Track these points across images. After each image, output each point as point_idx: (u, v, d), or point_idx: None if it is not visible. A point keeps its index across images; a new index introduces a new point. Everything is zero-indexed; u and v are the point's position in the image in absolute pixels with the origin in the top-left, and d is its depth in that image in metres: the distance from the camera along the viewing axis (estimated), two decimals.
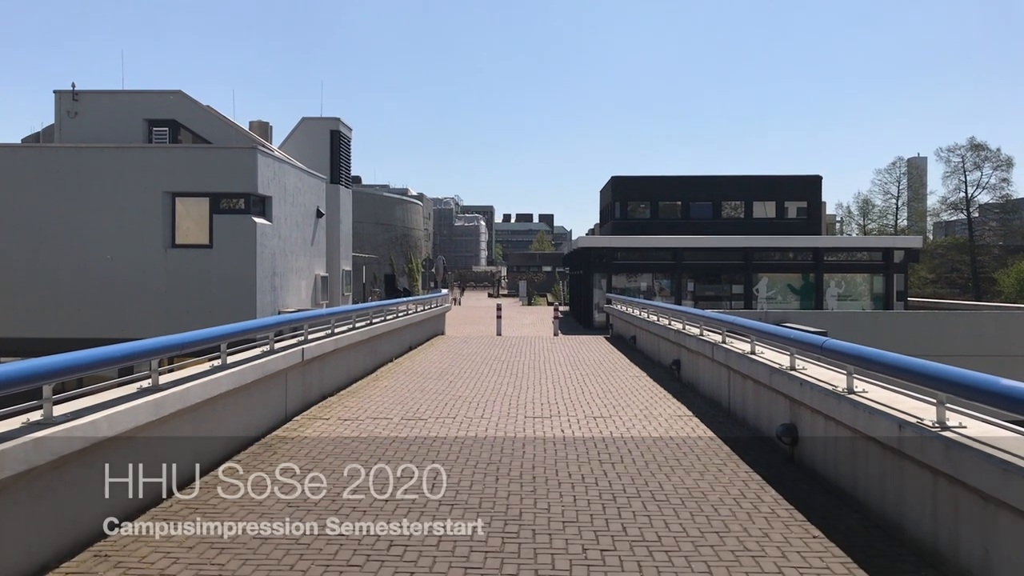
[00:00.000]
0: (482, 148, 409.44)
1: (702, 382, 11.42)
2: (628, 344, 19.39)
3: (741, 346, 9.81)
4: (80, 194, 20.96)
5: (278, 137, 31.57)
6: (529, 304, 65.31)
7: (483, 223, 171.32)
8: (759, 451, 7.68)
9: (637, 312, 18.97)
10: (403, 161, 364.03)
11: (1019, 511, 4.01)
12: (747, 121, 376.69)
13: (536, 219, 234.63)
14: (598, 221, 55.95)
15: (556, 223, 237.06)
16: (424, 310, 20.18)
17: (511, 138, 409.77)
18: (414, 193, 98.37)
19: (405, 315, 17.54)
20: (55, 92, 23.90)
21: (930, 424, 5.01)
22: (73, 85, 23.90)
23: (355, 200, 34.61)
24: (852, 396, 6.09)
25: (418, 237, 72.13)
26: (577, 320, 38.82)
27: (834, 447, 6.32)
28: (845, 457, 6.10)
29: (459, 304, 58.54)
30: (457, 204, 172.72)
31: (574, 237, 62.59)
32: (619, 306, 22.80)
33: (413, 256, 66.77)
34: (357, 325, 13.21)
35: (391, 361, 15.19)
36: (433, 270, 54.90)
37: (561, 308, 36.77)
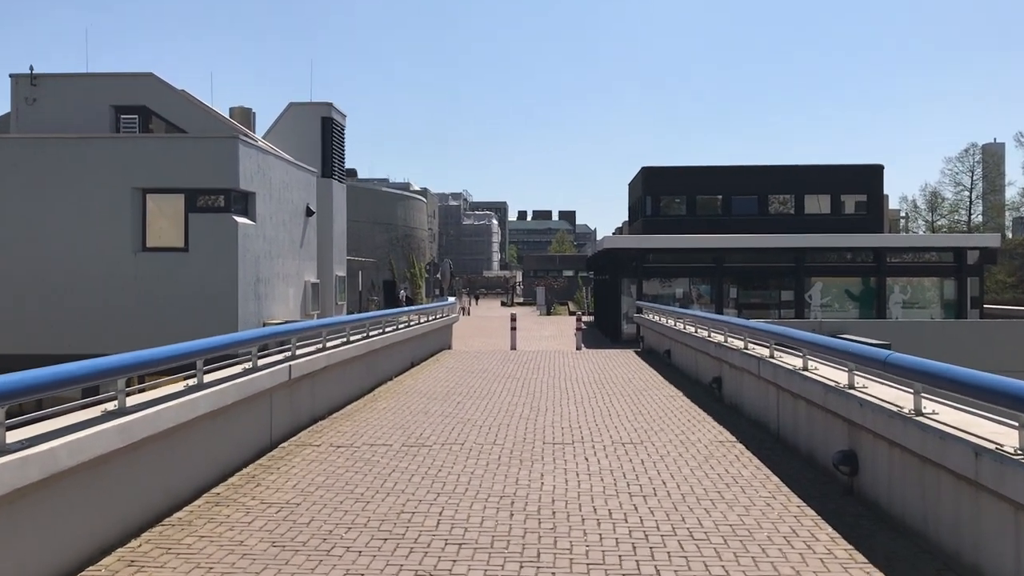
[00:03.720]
0: (494, 137, 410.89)
1: (747, 402, 11.35)
2: (661, 359, 19.33)
3: (792, 361, 9.75)
4: (39, 191, 21.16)
5: (262, 125, 31.80)
6: (548, 314, 65.34)
7: (495, 222, 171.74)
8: (813, 482, 7.62)
9: (672, 322, 18.91)
10: (404, 152, 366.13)
11: None
12: (798, 103, 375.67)
13: (556, 217, 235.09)
14: (627, 219, 55.93)
15: (578, 221, 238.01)
16: (428, 321, 20.21)
17: (527, 125, 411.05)
18: (417, 188, 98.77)
19: (407, 327, 17.57)
20: (11, 76, 24.16)
21: (1011, 451, 4.94)
22: (31, 68, 24.16)
23: (350, 196, 34.72)
24: (920, 418, 6.03)
25: (421, 238, 72.31)
26: (603, 332, 38.76)
27: (900, 477, 6.25)
28: (913, 489, 6.03)
29: (468, 314, 58.66)
30: (466, 200, 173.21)
31: (599, 237, 62.40)
32: (651, 316, 22.72)
33: (416, 259, 66.92)
34: (352, 338, 13.24)
35: (391, 379, 15.21)
36: (438, 275, 55.15)
37: (585, 318, 36.75)
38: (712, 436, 9.89)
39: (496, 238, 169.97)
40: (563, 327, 41.56)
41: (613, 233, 77.20)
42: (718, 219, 40.41)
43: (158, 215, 21.56)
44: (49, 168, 21.20)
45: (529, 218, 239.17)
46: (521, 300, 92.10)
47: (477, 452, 8.93)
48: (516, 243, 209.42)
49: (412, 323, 18.45)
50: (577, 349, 25.22)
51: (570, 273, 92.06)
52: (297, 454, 8.83)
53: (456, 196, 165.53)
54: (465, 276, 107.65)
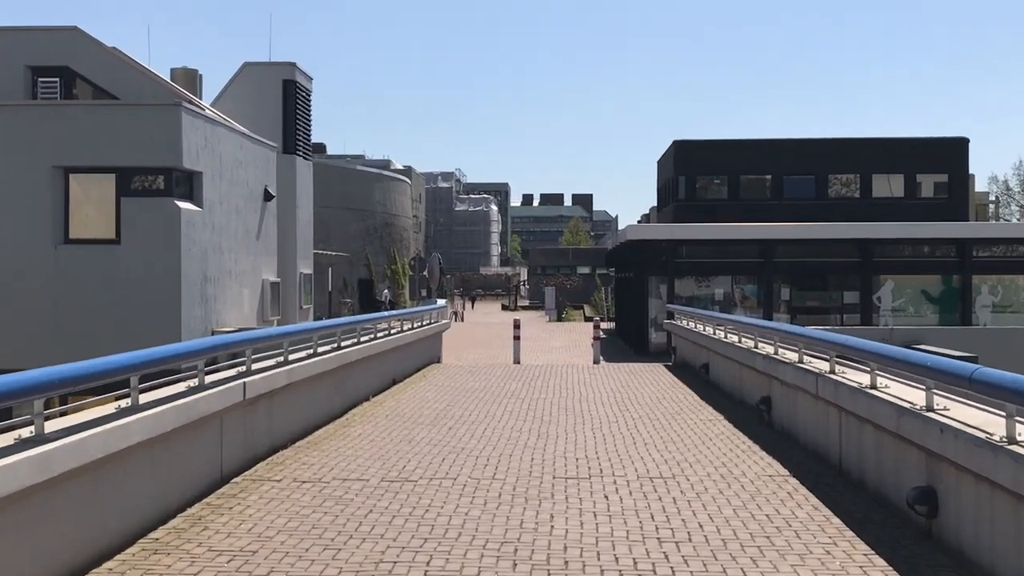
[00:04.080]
0: (493, 104, 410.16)
1: (802, 428, 11.34)
2: (697, 375, 19.34)
3: (857, 377, 9.74)
4: None
5: (211, 90, 31.80)
6: (559, 320, 65.34)
7: (495, 207, 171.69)
8: (883, 524, 7.62)
9: (710, 330, 18.92)
10: (384, 123, 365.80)
11: None
12: (864, 64, 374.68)
13: (568, 201, 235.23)
14: (655, 204, 55.85)
15: (596, 206, 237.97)
16: (413, 328, 20.21)
17: (533, 90, 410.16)
18: (399, 166, 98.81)
19: (387, 336, 17.57)
20: None
21: None
22: None
23: (318, 176, 34.75)
24: (1014, 447, 6.01)
25: (405, 227, 72.38)
26: (626, 342, 38.75)
27: (989, 519, 6.24)
28: (1005, 533, 6.01)
29: (462, 320, 58.57)
30: (459, 181, 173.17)
31: (621, 226, 62.30)
32: (685, 322, 22.72)
33: (398, 253, 67.00)
34: (320, 350, 13.25)
35: (367, 400, 15.23)
36: (425, 273, 55.09)
37: (604, 325, 36.75)
38: (759, 469, 9.88)
39: (496, 227, 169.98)
40: (577, 336, 41.56)
41: (639, 221, 77.05)
42: (766, 204, 40.35)
43: (83, 200, 21.57)
44: None
45: (536, 203, 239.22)
46: (526, 303, 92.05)
47: (472, 488, 8.93)
48: (520, 233, 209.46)
49: (393, 331, 18.45)
50: (594, 363, 25.21)
51: (586, 270, 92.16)
52: (253, 491, 8.83)
53: (447, 176, 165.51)
54: (458, 274, 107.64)
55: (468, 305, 79.47)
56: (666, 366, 22.55)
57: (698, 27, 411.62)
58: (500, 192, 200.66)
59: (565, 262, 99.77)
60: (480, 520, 7.77)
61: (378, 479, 9.35)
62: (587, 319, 61.47)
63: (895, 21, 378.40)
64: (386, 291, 59.61)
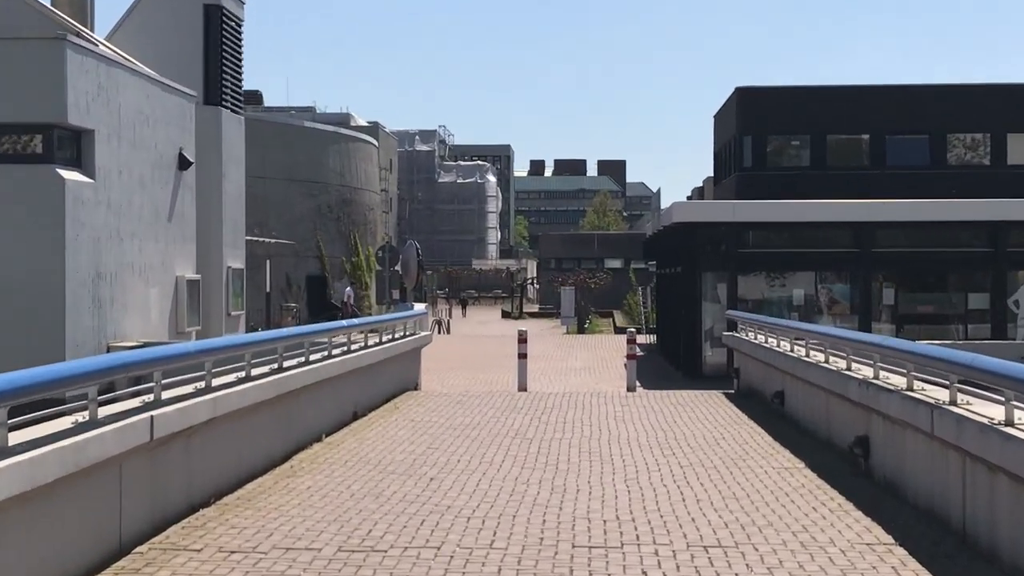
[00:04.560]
0: (490, 40, 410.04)
1: (911, 479, 11.32)
2: (768, 407, 19.32)
3: (986, 410, 9.71)
4: None
5: (106, 19, 31.79)
6: (580, 331, 65.28)
7: (492, 178, 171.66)
8: None
9: (786, 345, 18.89)
10: (342, 65, 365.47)
11: None
12: None
13: (593, 170, 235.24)
14: (710, 174, 55.90)
15: (629, 177, 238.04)
16: (382, 343, 20.19)
17: (543, 22, 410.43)
18: (362, 122, 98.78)
19: (346, 353, 17.55)
20: None
21: None
22: None
23: (252, 136, 34.70)
24: None
25: (370, 205, 72.33)
26: (671, 362, 38.73)
27: None
28: None
29: (448, 331, 58.65)
30: (444, 143, 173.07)
31: (665, 203, 61.96)
32: (751, 334, 22.68)
33: (360, 241, 66.96)
34: (254, 373, 13.23)
35: (319, 440, 15.22)
36: (398, 267, 54.90)
37: (641, 339, 36.72)
38: (853, 535, 9.86)
39: (494, 205, 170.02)
40: (605, 353, 41.56)
41: (688, 197, 77.15)
42: (863, 174, 40.32)
43: None
44: None
45: (548, 172, 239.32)
46: (536, 308, 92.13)
47: (462, 562, 8.91)
48: (527, 214, 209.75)
49: (355, 346, 18.42)
50: (629, 390, 25.18)
51: (617, 264, 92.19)
52: (164, 564, 8.79)
53: (427, 136, 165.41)
54: (443, 269, 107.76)
55: (457, 311, 79.60)
56: (726, 395, 22.51)
57: None
58: (500, 157, 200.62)
59: (588, 253, 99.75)
60: None
61: (334, 548, 9.31)
62: (618, 331, 61.50)
63: None
64: (348, 290, 59.60)
